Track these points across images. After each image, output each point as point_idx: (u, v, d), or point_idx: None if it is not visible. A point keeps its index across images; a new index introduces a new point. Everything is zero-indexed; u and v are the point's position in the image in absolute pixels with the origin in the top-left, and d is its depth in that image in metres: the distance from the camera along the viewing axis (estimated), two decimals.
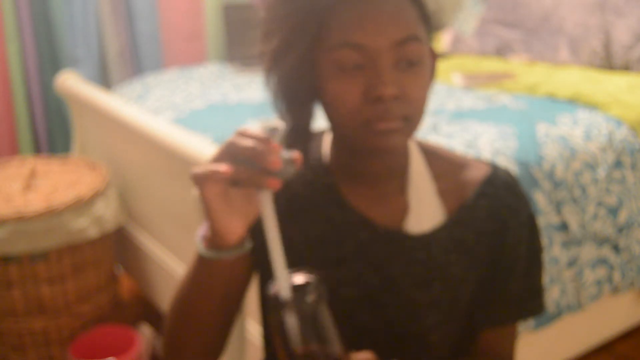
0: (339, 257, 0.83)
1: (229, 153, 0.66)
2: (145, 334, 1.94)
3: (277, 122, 0.69)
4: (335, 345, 0.68)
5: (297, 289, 0.67)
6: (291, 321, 0.66)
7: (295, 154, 0.67)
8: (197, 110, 2.18)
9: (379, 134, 0.75)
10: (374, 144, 0.76)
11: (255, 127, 0.69)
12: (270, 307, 0.67)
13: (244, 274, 0.83)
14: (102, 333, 1.90)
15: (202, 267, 0.75)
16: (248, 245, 0.73)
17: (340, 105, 0.75)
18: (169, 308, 0.83)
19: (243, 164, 0.65)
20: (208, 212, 0.68)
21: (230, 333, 0.85)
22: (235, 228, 0.70)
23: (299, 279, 0.68)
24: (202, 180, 0.66)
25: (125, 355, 1.80)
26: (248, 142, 0.65)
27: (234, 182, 0.66)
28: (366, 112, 0.74)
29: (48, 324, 1.84)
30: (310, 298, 0.67)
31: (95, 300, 1.93)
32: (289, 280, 0.67)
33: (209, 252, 0.72)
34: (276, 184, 0.65)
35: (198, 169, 0.67)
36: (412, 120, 0.76)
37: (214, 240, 0.71)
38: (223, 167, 0.65)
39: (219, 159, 0.66)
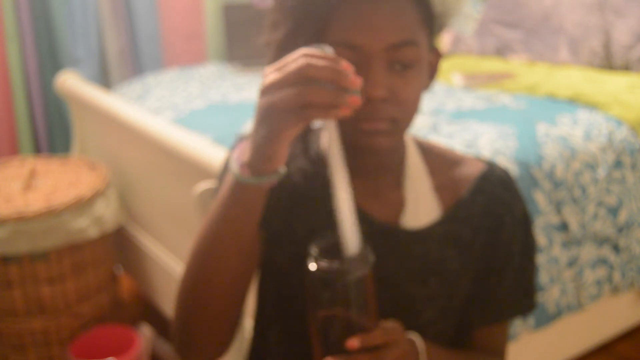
0: None
1: (303, 76, 0.61)
2: (145, 334, 1.94)
3: (326, 46, 0.66)
4: (371, 314, 0.68)
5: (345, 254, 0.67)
6: (350, 278, 0.66)
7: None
8: (197, 110, 2.18)
9: (365, 134, 0.76)
10: (360, 143, 0.77)
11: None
12: (320, 267, 0.66)
13: (257, 238, 0.79)
14: (102, 333, 1.90)
15: (238, 197, 0.72)
16: (283, 170, 0.70)
17: None
18: (182, 280, 0.78)
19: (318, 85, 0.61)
20: (272, 139, 0.65)
21: (239, 323, 0.83)
22: (285, 152, 0.67)
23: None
24: (301, 108, 0.61)
25: (125, 355, 1.80)
26: (326, 62, 0.62)
27: (312, 106, 0.62)
28: (354, 111, 0.74)
29: (48, 324, 1.84)
30: (369, 259, 0.67)
31: (95, 300, 1.93)
32: (356, 233, 0.66)
33: (251, 179, 0.69)
34: (358, 100, 0.63)
35: (286, 94, 0.62)
36: (400, 122, 0.77)
37: (254, 166, 0.69)
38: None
39: (288, 83, 0.62)
